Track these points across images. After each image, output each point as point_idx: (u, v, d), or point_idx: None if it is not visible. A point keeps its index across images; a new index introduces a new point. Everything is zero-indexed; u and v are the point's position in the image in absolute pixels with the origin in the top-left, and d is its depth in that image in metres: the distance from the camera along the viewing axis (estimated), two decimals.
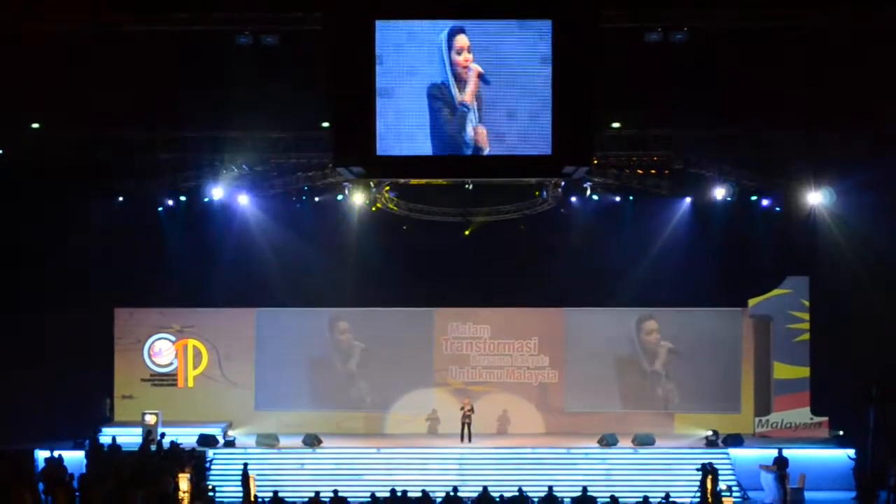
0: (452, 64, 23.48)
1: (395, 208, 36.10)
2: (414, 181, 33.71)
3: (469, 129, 23.58)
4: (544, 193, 35.68)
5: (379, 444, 33.88)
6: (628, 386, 36.63)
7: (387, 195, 35.64)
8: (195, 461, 30.52)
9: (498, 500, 26.72)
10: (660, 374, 36.56)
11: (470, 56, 23.46)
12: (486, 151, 23.64)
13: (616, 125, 31.99)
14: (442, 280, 36.46)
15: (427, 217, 36.35)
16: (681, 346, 36.55)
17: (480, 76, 23.43)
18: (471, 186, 33.66)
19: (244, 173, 33.77)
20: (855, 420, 32.78)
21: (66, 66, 27.62)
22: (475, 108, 23.58)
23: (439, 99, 23.72)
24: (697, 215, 35.82)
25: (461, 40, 23.46)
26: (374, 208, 36.03)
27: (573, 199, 35.44)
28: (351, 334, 36.91)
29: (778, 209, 34.75)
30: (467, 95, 23.50)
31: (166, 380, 36.92)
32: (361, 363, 36.81)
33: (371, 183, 34.27)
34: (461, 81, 23.54)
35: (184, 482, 28.19)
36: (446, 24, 23.44)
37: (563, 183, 34.08)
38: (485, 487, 27.40)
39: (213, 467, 32.20)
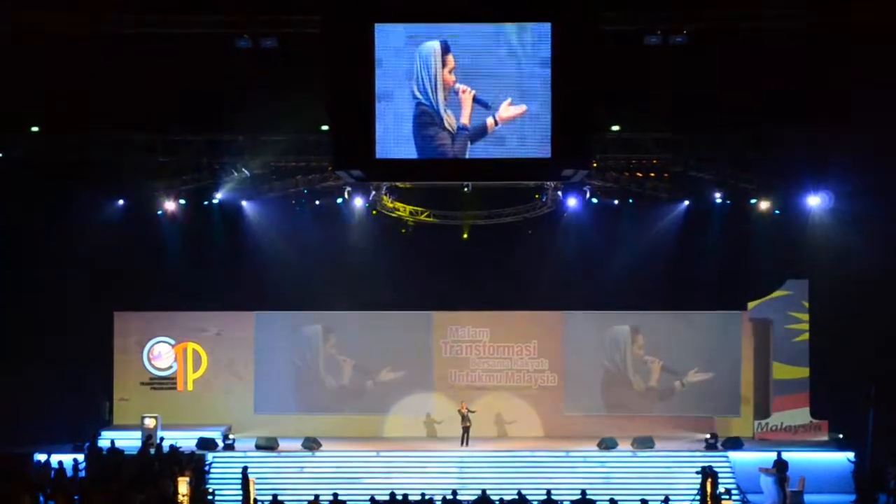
0: (444, 81, 23.54)
1: (396, 212, 36.15)
2: (412, 184, 33.69)
3: (472, 132, 23.66)
4: (544, 196, 35.70)
5: (378, 448, 33.86)
6: (627, 389, 36.57)
7: (386, 198, 35.67)
8: (194, 465, 30.48)
9: (497, 503, 26.68)
10: (655, 389, 36.54)
11: (453, 77, 23.53)
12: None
13: (615, 128, 32.04)
14: (441, 283, 36.49)
15: (426, 220, 36.37)
16: (680, 350, 36.49)
17: (475, 99, 23.54)
18: (469, 189, 33.70)
19: (244, 176, 33.82)
20: (854, 422, 32.78)
21: (66, 68, 27.65)
22: (476, 111, 23.64)
23: (424, 110, 23.79)
24: (697, 218, 35.85)
25: (449, 59, 23.53)
26: (374, 212, 36.08)
27: (572, 202, 35.40)
28: (336, 349, 36.84)
29: (777, 212, 34.75)
30: (464, 117, 23.59)
31: (166, 383, 36.88)
32: (353, 376, 36.78)
33: (371, 186, 34.31)
34: (449, 100, 23.59)
35: (183, 486, 28.17)
36: (444, 29, 23.46)
37: (562, 186, 34.08)
38: (484, 491, 27.34)
39: (212, 471, 32.16)
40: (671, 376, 36.39)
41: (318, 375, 36.87)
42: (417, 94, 23.58)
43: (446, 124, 23.62)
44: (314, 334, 37.02)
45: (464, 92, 23.55)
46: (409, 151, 23.99)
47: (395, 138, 23.98)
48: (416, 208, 36.34)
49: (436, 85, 23.51)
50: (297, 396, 36.81)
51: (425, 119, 23.66)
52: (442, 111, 23.58)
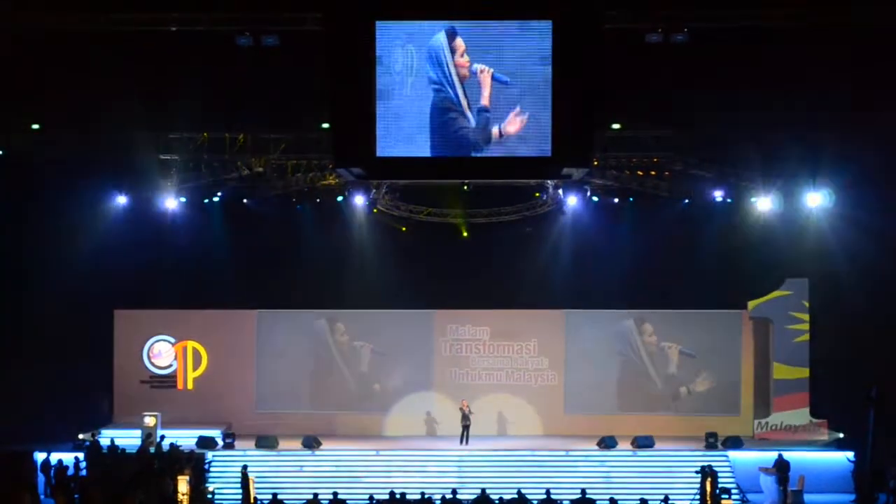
0: (456, 66, 23.51)
1: (394, 211, 36.14)
2: (413, 182, 33.70)
3: (491, 130, 23.69)
4: (544, 195, 35.68)
5: (378, 447, 33.83)
6: (628, 388, 36.57)
7: (386, 197, 35.65)
8: (194, 463, 30.47)
9: (497, 502, 26.65)
10: (674, 375, 36.50)
11: (466, 59, 23.53)
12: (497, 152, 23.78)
13: (616, 126, 32.03)
14: (441, 282, 36.48)
15: (427, 218, 36.37)
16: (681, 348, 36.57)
17: (494, 77, 23.54)
18: (469, 188, 33.71)
19: (244, 174, 33.80)
20: (854, 422, 32.78)
21: (66, 66, 27.67)
22: (477, 110, 23.68)
23: (443, 101, 23.77)
24: (697, 217, 35.82)
25: (459, 43, 23.52)
26: (374, 210, 36.07)
27: (573, 200, 35.36)
28: (349, 336, 36.84)
29: (778, 210, 34.68)
30: (484, 98, 23.58)
31: (166, 382, 36.84)
32: (368, 364, 36.78)
33: (372, 184, 34.30)
34: (466, 84, 23.59)
35: (183, 484, 28.19)
36: (445, 26, 23.47)
37: (563, 184, 34.06)
38: (483, 490, 27.29)
39: (212, 469, 32.10)
40: (690, 361, 36.28)
41: (318, 374, 36.84)
42: (431, 86, 23.57)
43: (466, 112, 23.61)
44: (316, 332, 37.00)
45: (482, 72, 23.54)
46: (409, 150, 24.00)
47: (395, 136, 23.98)
48: (416, 207, 36.34)
49: (450, 72, 23.49)
50: (298, 395, 36.76)
51: (444, 110, 23.65)
52: (461, 98, 23.58)
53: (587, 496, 27.15)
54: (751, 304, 35.78)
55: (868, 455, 31.04)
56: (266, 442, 33.58)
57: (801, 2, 25.72)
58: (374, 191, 35.18)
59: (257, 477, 30.18)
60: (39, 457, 31.64)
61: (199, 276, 36.36)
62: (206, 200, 35.23)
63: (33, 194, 33.77)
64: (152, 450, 31.71)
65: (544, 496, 27.12)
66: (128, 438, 32.89)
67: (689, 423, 35.68)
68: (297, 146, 32.59)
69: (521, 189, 35.67)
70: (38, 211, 34.15)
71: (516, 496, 27.11)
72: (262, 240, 36.46)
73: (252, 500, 29.01)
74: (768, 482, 30.45)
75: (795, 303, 35.36)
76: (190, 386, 36.89)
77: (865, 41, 26.96)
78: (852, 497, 31.16)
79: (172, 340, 36.95)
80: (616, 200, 35.83)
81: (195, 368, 36.90)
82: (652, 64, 27.44)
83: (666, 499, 27.33)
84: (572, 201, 35.42)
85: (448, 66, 23.57)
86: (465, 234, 36.76)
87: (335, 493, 27.51)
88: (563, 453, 33.27)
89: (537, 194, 35.98)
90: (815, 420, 34.93)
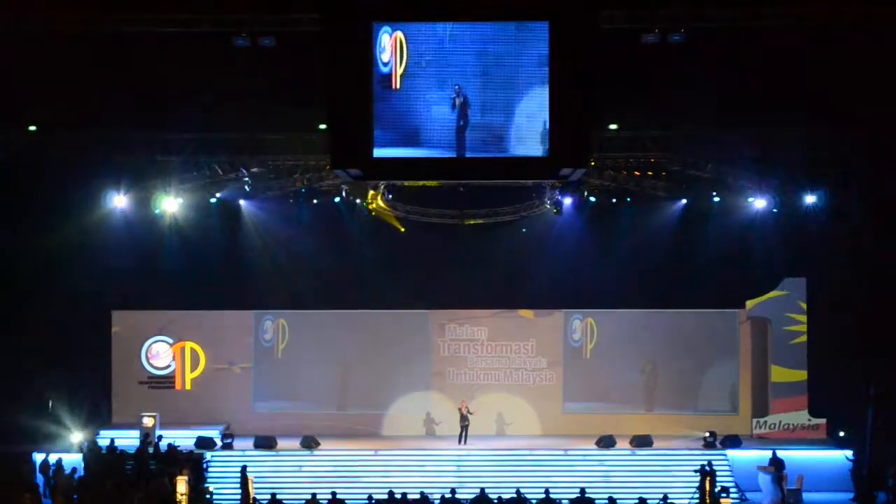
0: (452, 67, 23.52)
1: (392, 210, 36.13)
2: (409, 183, 33.67)
3: (469, 131, 23.65)
4: (542, 195, 35.68)
5: (376, 447, 33.88)
6: (626, 387, 36.60)
7: (382, 198, 35.63)
8: (193, 463, 30.52)
9: (496, 501, 26.68)
10: (657, 374, 36.58)
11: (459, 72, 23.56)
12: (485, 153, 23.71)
13: (613, 127, 32.05)
14: (439, 282, 36.53)
15: (424, 219, 36.40)
16: (679, 348, 36.55)
17: (479, 80, 23.53)
18: (463, 189, 33.77)
19: (242, 175, 33.83)
20: (853, 421, 32.84)
21: (64, 66, 27.68)
22: (473, 110, 23.67)
23: (440, 101, 23.77)
24: (694, 217, 35.85)
25: (455, 44, 23.55)
26: (373, 212, 36.03)
27: (570, 200, 35.38)
28: (334, 347, 36.86)
29: (775, 210, 34.73)
30: (480, 100, 23.57)
31: (164, 382, 36.86)
32: (355, 365, 36.80)
33: (369, 185, 34.29)
34: (463, 85, 23.60)
35: (181, 484, 28.22)
36: (443, 27, 23.48)
37: (560, 185, 34.07)
38: (482, 489, 27.35)
39: (210, 469, 32.16)
40: (691, 359, 36.39)
41: (317, 374, 36.86)
42: (429, 87, 23.59)
43: (462, 112, 23.62)
44: (312, 333, 37.03)
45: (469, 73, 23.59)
46: (406, 150, 23.99)
47: (392, 137, 23.97)
48: (413, 207, 36.33)
49: (447, 74, 23.49)
50: (296, 395, 36.79)
51: (441, 110, 23.65)
52: (457, 98, 23.59)
53: (586, 495, 27.20)
54: (749, 303, 35.81)
55: (867, 453, 31.10)
56: (264, 442, 33.60)
57: (798, 1, 25.74)
58: (371, 192, 35.14)
59: (256, 477, 30.22)
60: (38, 457, 31.66)
61: (196, 277, 36.37)
62: (204, 201, 35.21)
63: (31, 195, 33.75)
64: (151, 450, 31.74)
65: (543, 495, 27.16)
66: (126, 439, 32.91)
67: (688, 422, 35.74)
68: (294, 147, 32.58)
69: (519, 190, 35.67)
70: (36, 211, 34.12)
71: (515, 496, 27.15)
72: (259, 240, 36.52)
73: (251, 501, 29.03)
74: (767, 481, 30.46)
75: (793, 303, 35.37)
76: (188, 386, 36.92)
77: (862, 39, 26.97)
78: (851, 495, 31.19)
79: (170, 341, 36.98)
80: (613, 201, 35.81)
81: (193, 369, 36.93)
82: (649, 64, 27.47)
83: (665, 498, 27.38)
84: (569, 202, 35.41)
85: (444, 68, 23.57)
86: (466, 223, 36.80)
87: (334, 493, 27.54)
88: (561, 452, 33.31)
89: (535, 195, 35.95)
90: (813, 419, 34.96)
